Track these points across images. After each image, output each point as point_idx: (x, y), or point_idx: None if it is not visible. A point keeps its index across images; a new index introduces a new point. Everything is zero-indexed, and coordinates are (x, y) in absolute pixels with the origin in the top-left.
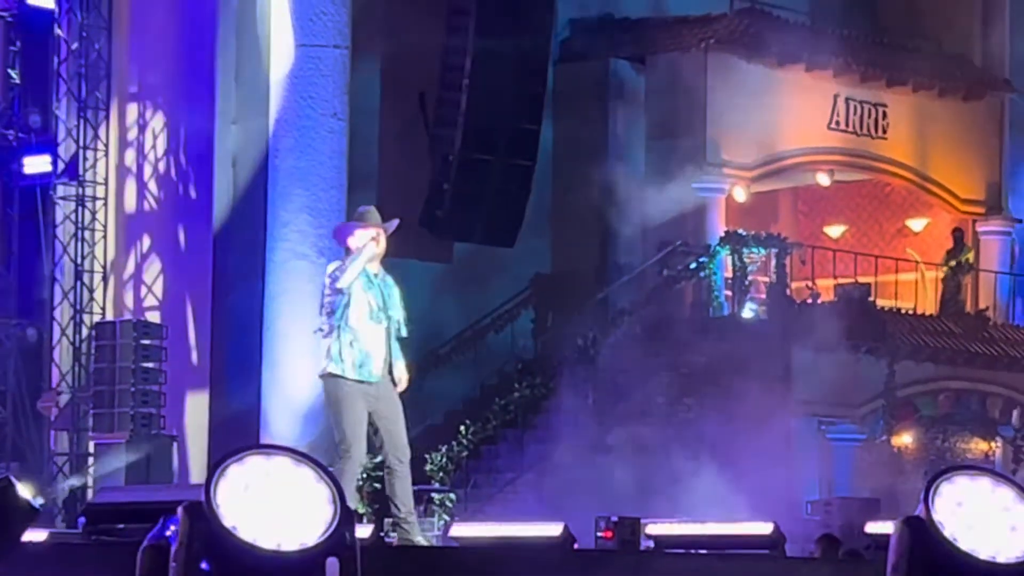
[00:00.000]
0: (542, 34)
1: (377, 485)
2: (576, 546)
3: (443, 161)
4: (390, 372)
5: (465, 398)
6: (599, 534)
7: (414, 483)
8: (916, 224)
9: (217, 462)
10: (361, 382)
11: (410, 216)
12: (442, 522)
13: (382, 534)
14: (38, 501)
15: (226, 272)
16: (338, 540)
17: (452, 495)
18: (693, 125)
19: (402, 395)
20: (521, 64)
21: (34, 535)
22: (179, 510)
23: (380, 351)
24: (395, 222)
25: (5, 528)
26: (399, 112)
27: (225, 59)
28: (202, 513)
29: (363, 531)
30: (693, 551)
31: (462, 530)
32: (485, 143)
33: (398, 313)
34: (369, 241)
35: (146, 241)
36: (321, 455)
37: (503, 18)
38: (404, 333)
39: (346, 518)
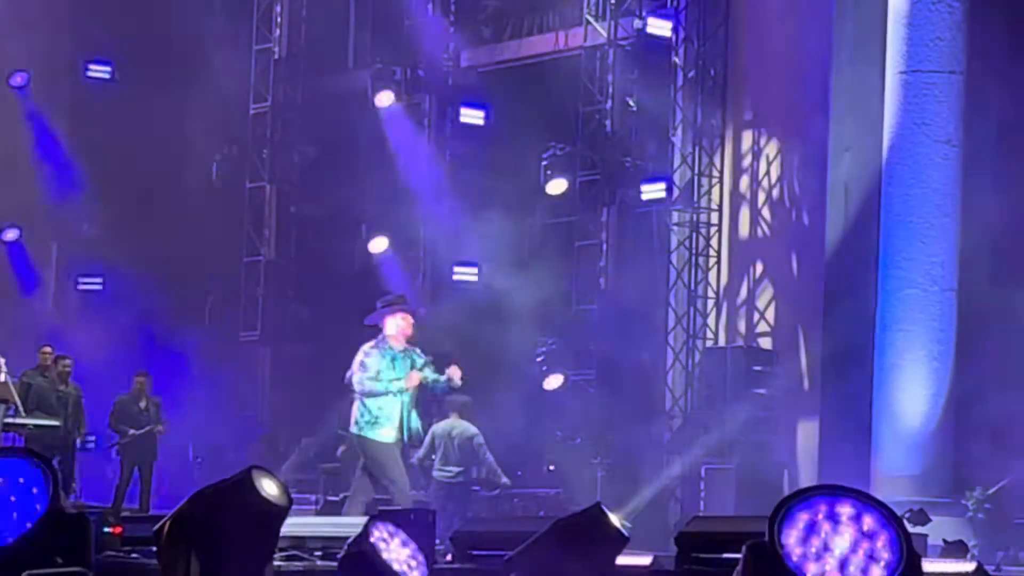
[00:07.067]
0: None
1: (981, 516)
2: None
3: None
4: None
5: None
6: None
7: None
8: None
9: (782, 502)
10: None
11: None
12: None
13: (993, 567)
14: (627, 526)
15: (837, 300)
16: None
17: None
18: None
19: None
20: None
21: (638, 559)
22: (744, 548)
23: None
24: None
25: (597, 552)
26: (1015, 138)
27: (839, 85)
28: (767, 552)
29: (966, 567)
30: None
31: None
32: None
33: None
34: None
35: (758, 267)
36: (933, 486)
37: None
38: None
39: (912, 563)
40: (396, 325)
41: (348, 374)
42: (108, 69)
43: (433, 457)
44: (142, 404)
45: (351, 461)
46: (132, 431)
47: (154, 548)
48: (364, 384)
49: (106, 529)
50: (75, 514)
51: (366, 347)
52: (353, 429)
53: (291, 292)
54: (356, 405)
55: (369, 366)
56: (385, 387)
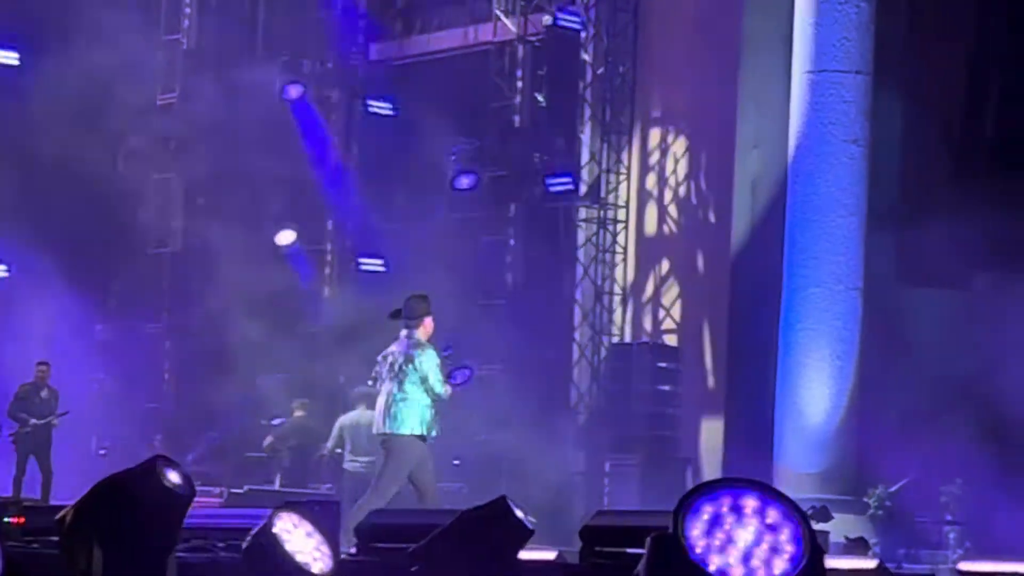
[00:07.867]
0: None
1: (882, 514)
2: None
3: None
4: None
5: None
6: None
7: None
8: None
9: (687, 494)
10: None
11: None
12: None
13: (894, 565)
14: (531, 520)
15: (742, 297)
16: None
17: None
18: None
19: None
20: None
21: (543, 553)
22: (647, 540)
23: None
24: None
25: (501, 546)
26: (919, 138)
27: (747, 84)
28: (671, 544)
29: (868, 563)
30: None
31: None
32: (1015, 169)
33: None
34: None
35: (665, 265)
36: (835, 484)
37: None
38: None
39: (815, 556)
40: (431, 325)
41: (433, 381)
42: (15, 55)
43: (340, 449)
44: (43, 394)
45: (278, 454)
46: (34, 420)
47: (56, 538)
48: (444, 389)
49: (7, 519)
50: None
51: (430, 350)
52: (419, 431)
53: (196, 284)
54: (423, 407)
55: (438, 367)
56: (447, 394)
